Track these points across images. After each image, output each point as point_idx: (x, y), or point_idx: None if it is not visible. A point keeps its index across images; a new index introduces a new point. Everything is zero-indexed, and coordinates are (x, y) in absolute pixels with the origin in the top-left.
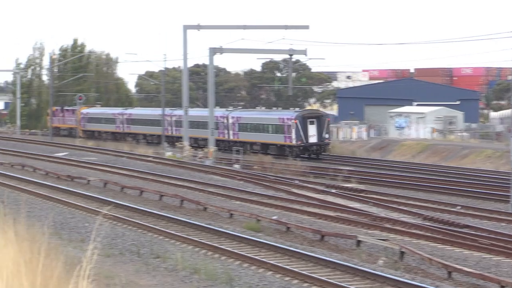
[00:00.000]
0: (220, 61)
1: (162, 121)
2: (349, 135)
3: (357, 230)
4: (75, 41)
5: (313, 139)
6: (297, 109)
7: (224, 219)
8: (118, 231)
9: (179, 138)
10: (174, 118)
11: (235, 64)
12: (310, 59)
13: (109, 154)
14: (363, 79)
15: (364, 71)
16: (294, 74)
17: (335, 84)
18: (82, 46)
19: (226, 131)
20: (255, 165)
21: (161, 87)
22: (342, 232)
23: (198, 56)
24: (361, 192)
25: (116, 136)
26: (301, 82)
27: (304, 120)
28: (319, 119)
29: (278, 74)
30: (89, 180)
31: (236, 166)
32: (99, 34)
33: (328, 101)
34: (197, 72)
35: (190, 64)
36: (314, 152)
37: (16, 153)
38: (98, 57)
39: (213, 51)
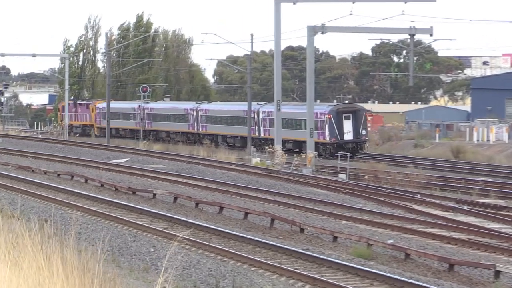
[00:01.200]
0: (322, 42)
1: (247, 119)
2: (486, 136)
3: (496, 257)
4: (139, 18)
5: (348, 136)
6: (335, 102)
7: (326, 243)
8: (192, 258)
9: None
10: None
11: (341, 47)
12: (436, 40)
13: (180, 161)
14: (504, 66)
15: (504, 55)
16: (415, 59)
17: (468, 72)
18: (148, 24)
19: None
20: (366, 175)
21: (246, 76)
22: (476, 261)
23: (293, 37)
24: (501, 209)
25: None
26: (425, 70)
27: (338, 115)
28: (356, 113)
29: (395, 59)
30: (155, 194)
31: (342, 176)
32: (168, 9)
33: (459, 93)
34: (293, 57)
35: (284, 46)
36: (349, 151)
37: (64, 159)
38: (167, 38)
39: (313, 30)
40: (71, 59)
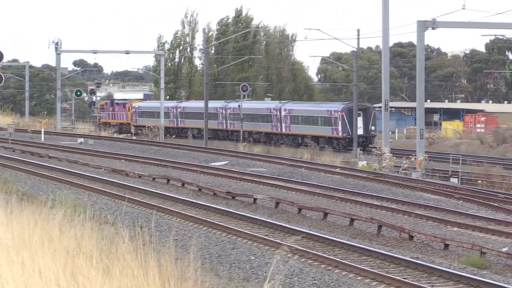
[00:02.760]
0: (433, 38)
1: (354, 118)
2: None
3: None
4: (237, 12)
5: (359, 131)
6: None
7: (437, 251)
8: (295, 266)
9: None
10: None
11: (453, 43)
12: None
13: (282, 164)
14: None
15: None
16: None
17: None
18: (247, 19)
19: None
20: (479, 179)
21: (352, 74)
22: None
23: (402, 33)
24: None
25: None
26: None
27: (350, 112)
28: (366, 111)
29: (511, 57)
30: (255, 199)
31: (454, 181)
32: (268, 3)
33: None
34: (401, 54)
35: (392, 42)
36: (360, 144)
37: (159, 162)
38: (268, 34)
39: (423, 25)
40: (166, 56)
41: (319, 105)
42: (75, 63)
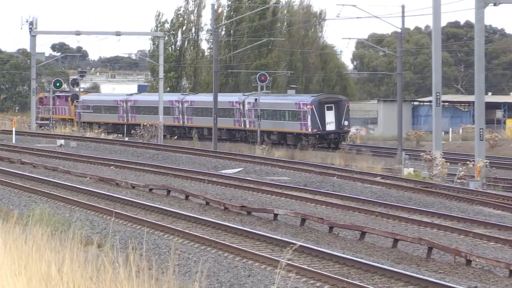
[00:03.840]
0: (495, 17)
1: (398, 117)
2: None
3: None
4: None
5: (330, 126)
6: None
7: (500, 279)
8: None
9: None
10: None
11: None
12: None
13: (310, 171)
14: None
15: None
16: None
17: None
18: None
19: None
20: None
21: (395, 61)
22: None
23: (457, 9)
24: None
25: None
26: None
27: (320, 105)
28: (338, 104)
29: None
30: (276, 214)
31: None
32: None
33: None
34: (457, 36)
35: (445, 21)
36: (332, 142)
37: (158, 169)
38: (292, 11)
39: (483, 0)
40: (167, 38)
41: (286, 98)
42: (54, 47)
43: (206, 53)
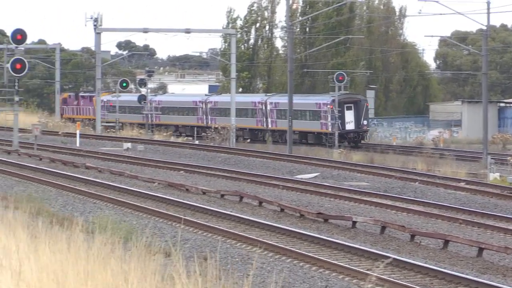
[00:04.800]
0: None
1: (484, 119)
2: None
3: None
4: None
5: (350, 126)
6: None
7: None
8: None
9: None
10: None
11: None
12: None
13: (390, 176)
14: None
15: None
16: None
17: None
18: None
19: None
20: None
21: (480, 60)
22: None
23: None
24: None
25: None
26: None
27: (340, 105)
28: (357, 104)
29: None
30: (355, 222)
31: None
32: None
33: None
34: None
35: None
36: (352, 140)
37: (230, 174)
38: (371, 8)
39: None
40: (239, 36)
41: (307, 98)
42: (120, 46)
43: (280, 52)
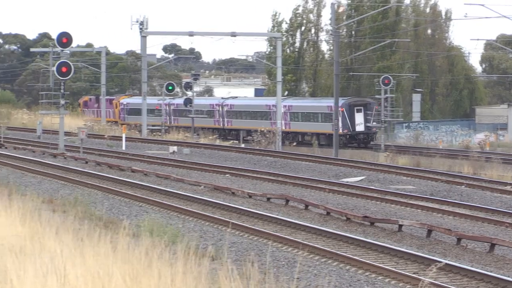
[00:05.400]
0: None
1: None
2: None
3: None
4: None
5: (360, 127)
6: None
7: None
8: None
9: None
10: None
11: None
12: None
13: (436, 180)
14: None
15: None
16: None
17: None
18: None
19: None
20: None
21: None
22: None
23: None
24: None
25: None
26: None
27: (350, 108)
28: (366, 106)
29: None
30: (401, 225)
31: None
32: None
33: None
34: None
35: None
36: (361, 141)
37: (276, 177)
38: (417, 11)
39: None
40: (284, 39)
41: (319, 101)
42: (166, 49)
43: (326, 55)
